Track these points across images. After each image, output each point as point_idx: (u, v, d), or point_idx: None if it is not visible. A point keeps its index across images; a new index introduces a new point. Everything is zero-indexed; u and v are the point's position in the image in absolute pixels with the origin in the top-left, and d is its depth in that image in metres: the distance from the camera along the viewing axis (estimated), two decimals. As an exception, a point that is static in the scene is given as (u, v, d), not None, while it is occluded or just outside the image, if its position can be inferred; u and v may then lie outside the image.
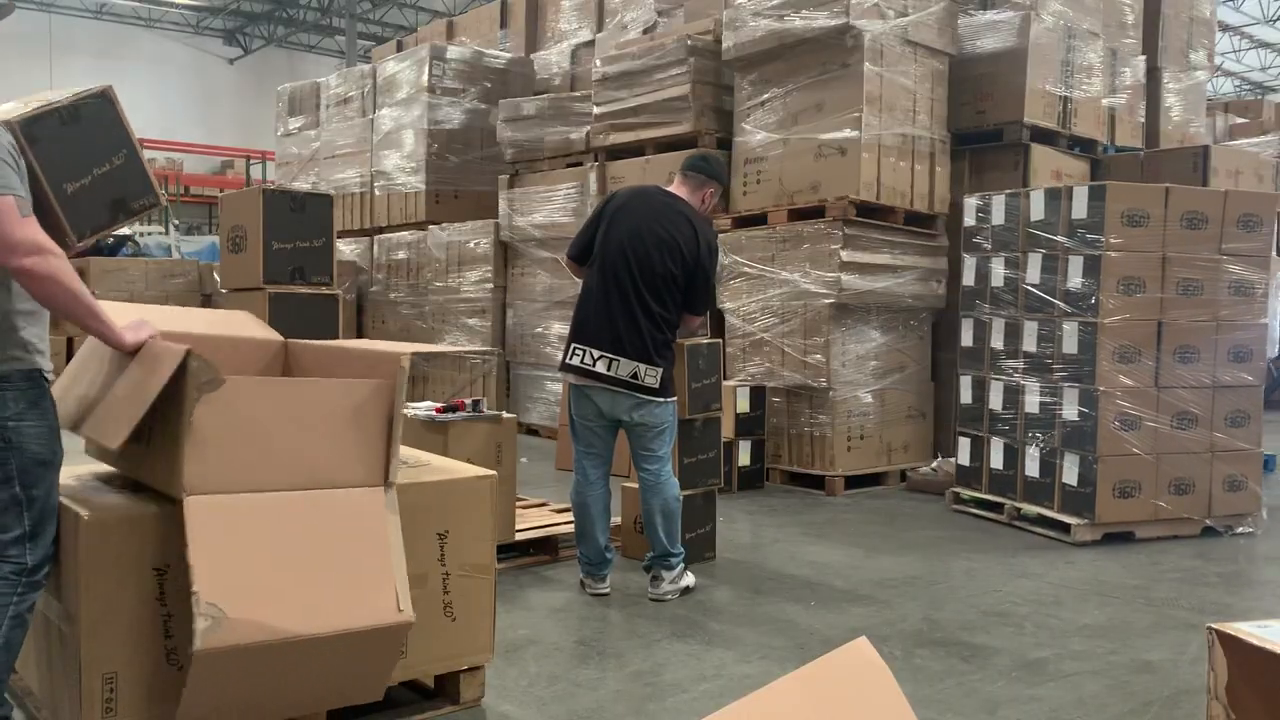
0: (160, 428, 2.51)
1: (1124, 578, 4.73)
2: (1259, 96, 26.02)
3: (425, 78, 10.11)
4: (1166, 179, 7.38)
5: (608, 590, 4.29)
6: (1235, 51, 25.82)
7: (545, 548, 4.85)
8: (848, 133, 6.64)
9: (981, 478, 6.05)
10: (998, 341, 5.97)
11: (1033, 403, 5.71)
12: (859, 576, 4.67)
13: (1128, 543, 5.36)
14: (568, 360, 4.21)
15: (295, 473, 2.54)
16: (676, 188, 4.36)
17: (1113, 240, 5.29)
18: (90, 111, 2.63)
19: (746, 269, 7.10)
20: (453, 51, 10.41)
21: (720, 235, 7.29)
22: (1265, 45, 26.11)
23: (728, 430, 6.53)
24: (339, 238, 11.35)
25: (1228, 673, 1.73)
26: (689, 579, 4.39)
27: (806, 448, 6.86)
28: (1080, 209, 5.41)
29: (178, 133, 24.70)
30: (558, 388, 8.41)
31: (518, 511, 4.89)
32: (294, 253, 3.47)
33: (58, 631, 2.59)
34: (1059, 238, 5.53)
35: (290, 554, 2.48)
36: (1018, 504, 5.75)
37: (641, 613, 4.09)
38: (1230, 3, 22.07)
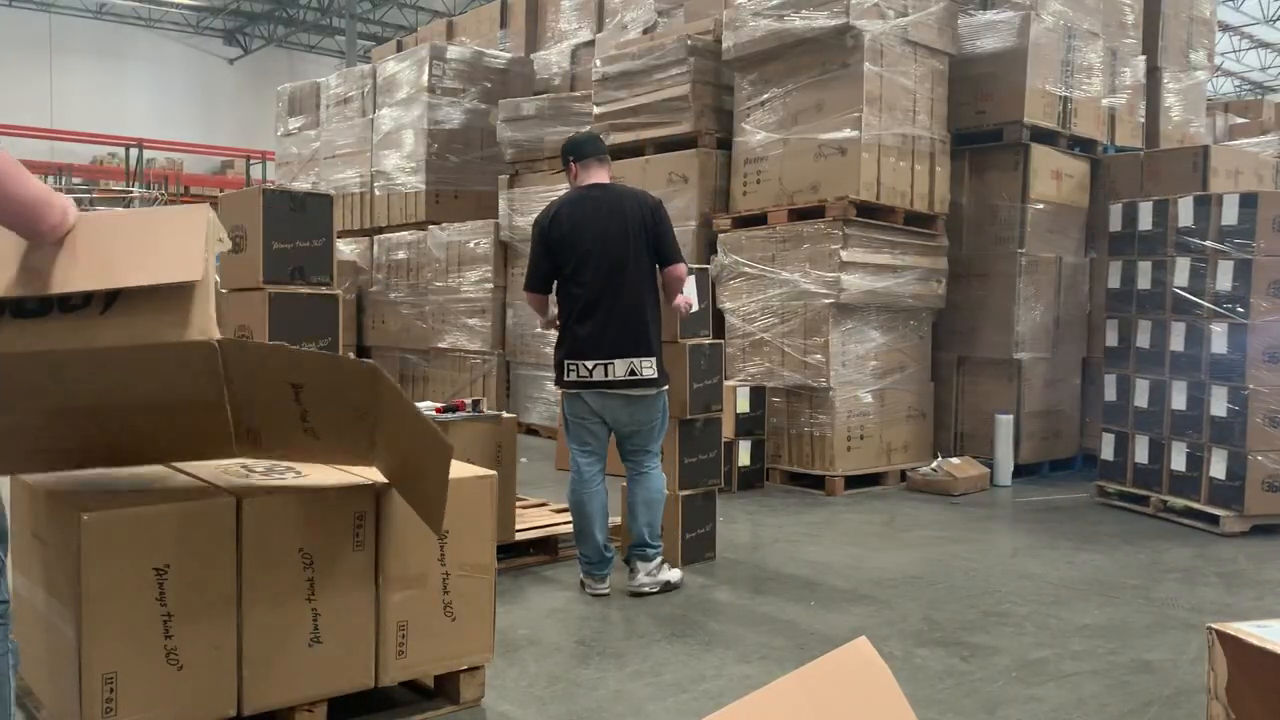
0: None
1: (1124, 578, 4.73)
2: (1259, 96, 26.01)
3: (425, 78, 10.11)
4: (1166, 179, 7.40)
5: (608, 590, 4.29)
6: (1235, 51, 25.82)
7: (545, 548, 4.86)
8: (848, 133, 6.64)
9: (1126, 472, 6.31)
10: (1143, 341, 6.21)
11: (1179, 400, 5.95)
12: (859, 576, 4.67)
13: (1275, 535, 5.59)
14: (564, 378, 4.24)
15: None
16: (598, 176, 4.40)
17: (1263, 245, 5.59)
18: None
19: (746, 269, 7.10)
20: (453, 51, 10.42)
21: (720, 235, 7.32)
22: (1265, 45, 26.11)
23: (728, 430, 6.54)
24: (339, 238, 11.37)
25: (1228, 673, 1.73)
26: (674, 574, 4.40)
27: (806, 448, 6.86)
28: (1231, 215, 5.70)
29: (177, 133, 24.69)
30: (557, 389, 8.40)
31: (518, 511, 4.89)
32: (294, 252, 3.46)
33: (58, 631, 2.59)
34: (1208, 243, 5.79)
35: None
36: (1164, 496, 6.01)
37: (641, 613, 4.09)
38: (1230, 3, 22.07)
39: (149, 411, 2.52)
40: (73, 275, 2.09)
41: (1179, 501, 5.92)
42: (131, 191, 20.53)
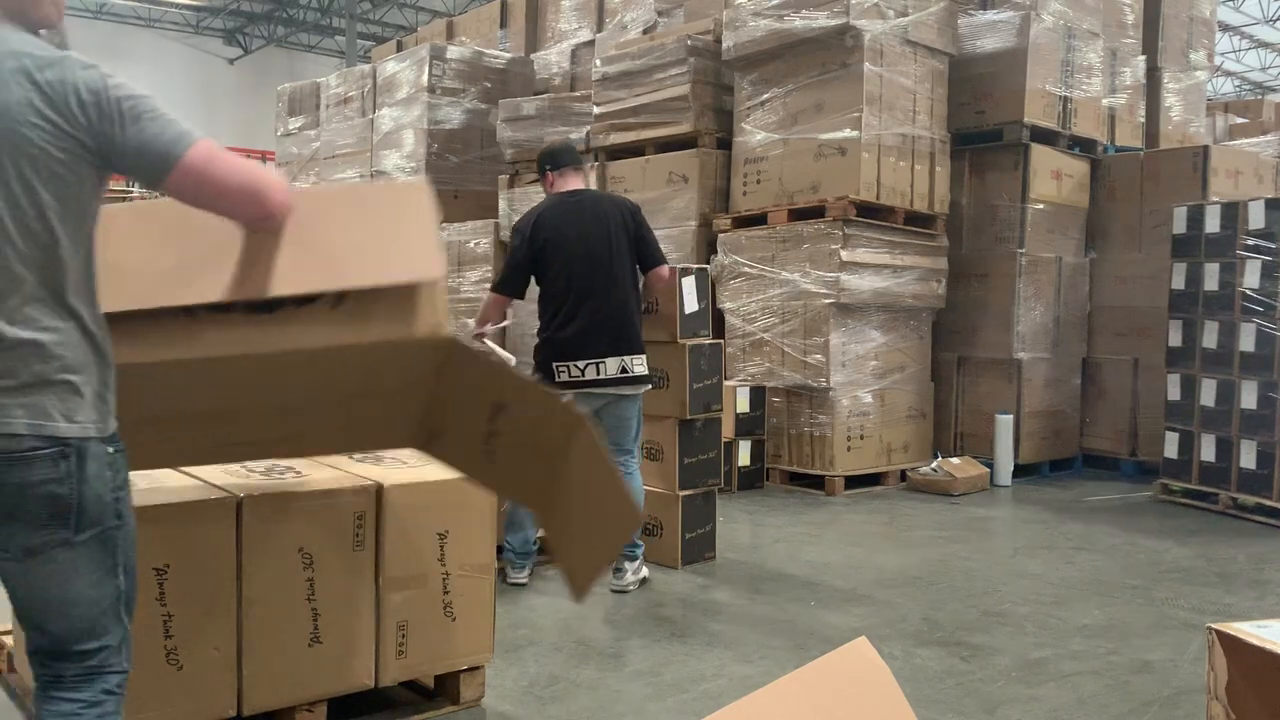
0: None
1: (1124, 578, 4.73)
2: (1259, 96, 25.99)
3: (425, 78, 10.11)
4: (1166, 179, 7.41)
5: (526, 581, 4.40)
6: (1235, 51, 25.81)
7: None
8: (848, 133, 6.64)
9: (1191, 470, 6.40)
10: (1209, 342, 6.28)
11: (1249, 399, 6.01)
12: (859, 576, 4.67)
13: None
14: (555, 380, 4.25)
15: None
16: (575, 183, 4.44)
17: None
18: None
19: (746, 269, 7.10)
20: (453, 51, 10.41)
21: (720, 235, 7.32)
22: (1265, 45, 26.11)
23: (728, 430, 6.54)
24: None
25: (1228, 673, 1.73)
26: (644, 571, 4.49)
27: (806, 448, 6.86)
28: None
29: (177, 133, 24.63)
30: (558, 388, 8.41)
31: (518, 511, 4.89)
32: None
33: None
34: None
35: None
36: (1234, 494, 6.10)
37: (641, 613, 4.09)
38: (1230, 3, 22.07)
39: (342, 402, 2.39)
40: (303, 272, 1.93)
41: (1250, 499, 6.00)
42: (131, 191, 20.52)
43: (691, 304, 4.72)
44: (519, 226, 4.42)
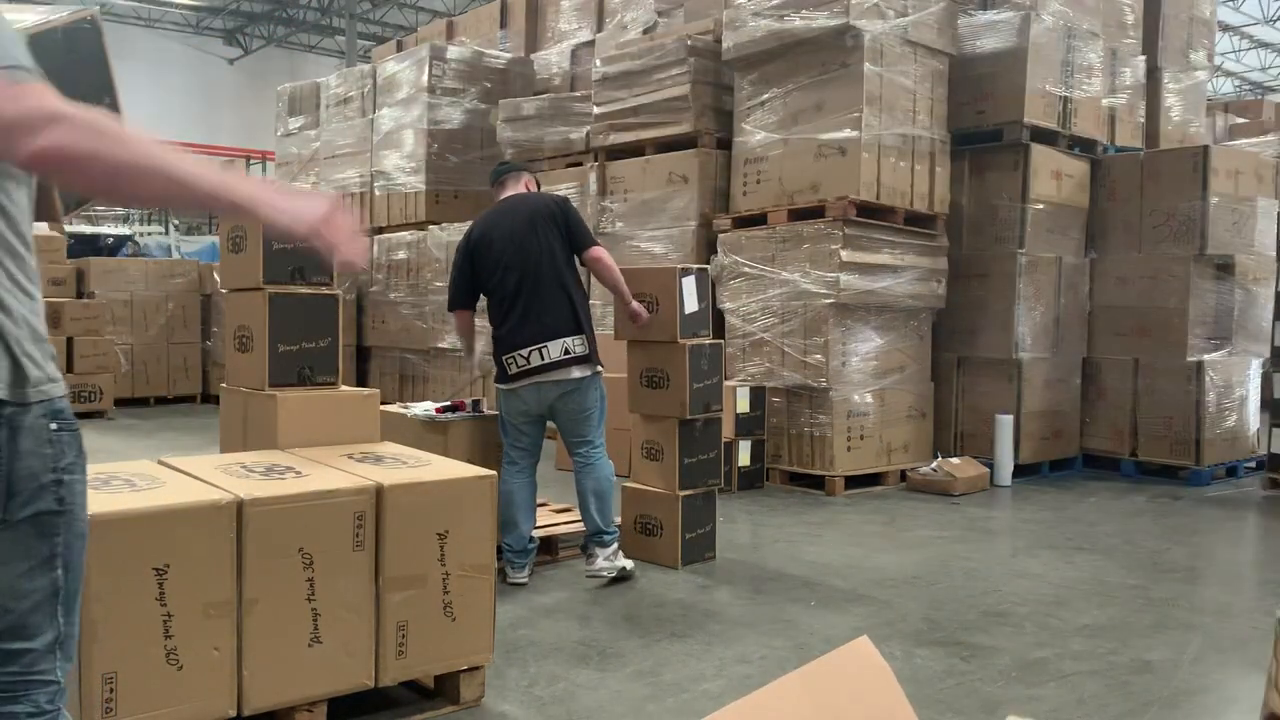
0: None
1: (1124, 578, 4.72)
2: (1259, 96, 26.00)
3: (425, 78, 10.11)
4: (1166, 179, 7.41)
5: (526, 581, 4.43)
6: (1235, 51, 25.82)
7: (545, 548, 4.85)
8: (848, 133, 6.64)
9: None
10: None
11: None
12: (859, 576, 4.67)
13: None
14: (508, 373, 4.41)
15: None
16: (511, 190, 4.62)
17: None
18: (84, 41, 2.14)
19: (746, 269, 7.10)
20: (453, 51, 10.41)
21: (720, 235, 7.32)
22: (1265, 45, 26.11)
23: (728, 430, 6.54)
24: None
25: None
26: (629, 563, 4.52)
27: (806, 448, 6.85)
28: None
29: (177, 133, 24.65)
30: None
31: (518, 511, 4.88)
32: (294, 254, 3.46)
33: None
34: None
35: None
36: None
37: (641, 613, 4.09)
38: (1230, 3, 22.07)
39: None
40: None
41: None
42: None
43: (691, 304, 4.72)
44: (460, 241, 4.65)
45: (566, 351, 4.33)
